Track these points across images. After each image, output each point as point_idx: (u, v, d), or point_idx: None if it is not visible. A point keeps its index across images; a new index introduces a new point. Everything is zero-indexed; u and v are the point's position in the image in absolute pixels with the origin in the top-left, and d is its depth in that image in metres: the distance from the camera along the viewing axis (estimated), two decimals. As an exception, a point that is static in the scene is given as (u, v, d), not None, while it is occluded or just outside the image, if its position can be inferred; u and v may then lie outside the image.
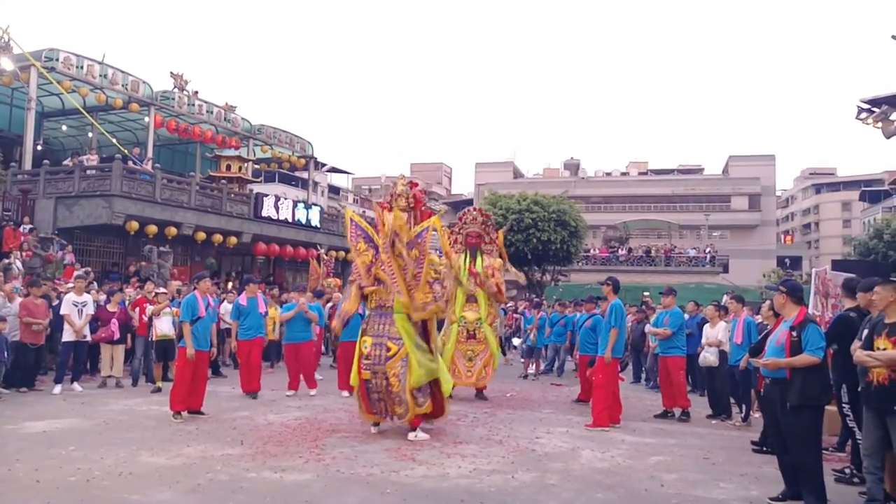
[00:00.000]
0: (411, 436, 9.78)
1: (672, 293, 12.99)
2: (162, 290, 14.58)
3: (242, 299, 13.42)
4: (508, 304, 26.05)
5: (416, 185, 10.92)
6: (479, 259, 13.88)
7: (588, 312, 14.77)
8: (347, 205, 72.87)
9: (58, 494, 6.59)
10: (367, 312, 10.62)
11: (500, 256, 14.47)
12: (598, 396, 11.07)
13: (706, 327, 12.70)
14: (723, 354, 12.35)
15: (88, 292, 14.20)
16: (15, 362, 12.73)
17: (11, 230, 18.32)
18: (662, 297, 13.01)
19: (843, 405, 8.07)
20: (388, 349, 9.84)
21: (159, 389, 13.22)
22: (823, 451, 7.71)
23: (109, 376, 13.97)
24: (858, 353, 6.73)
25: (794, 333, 6.80)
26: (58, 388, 12.86)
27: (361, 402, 10.16)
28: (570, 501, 6.85)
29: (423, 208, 10.80)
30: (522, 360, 19.02)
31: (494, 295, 13.83)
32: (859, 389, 6.91)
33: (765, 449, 8.95)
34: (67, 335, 13.22)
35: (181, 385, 10.79)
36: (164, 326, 13.55)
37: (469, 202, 61.74)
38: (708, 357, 12.29)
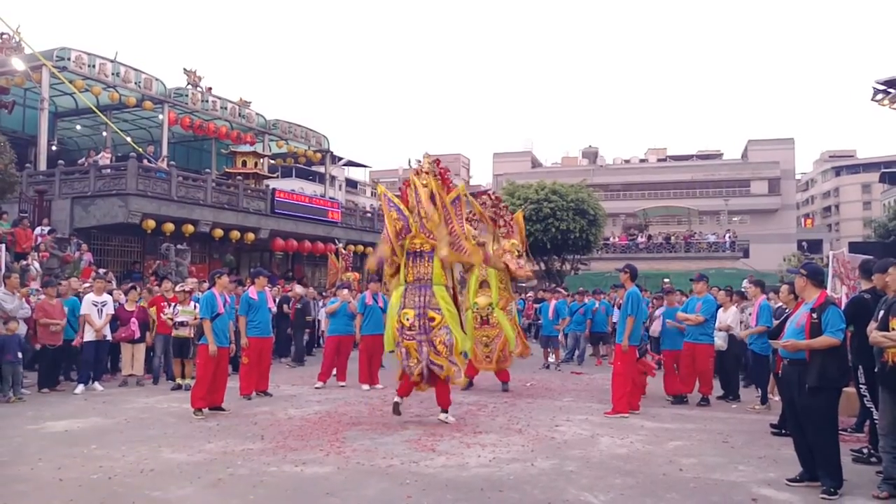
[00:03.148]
0: (443, 416, 10.18)
1: (703, 279, 12.88)
2: (185, 287, 14.55)
3: (252, 293, 12.79)
4: (528, 295, 25.95)
5: (440, 161, 11.11)
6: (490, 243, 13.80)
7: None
8: (368, 195, 73.22)
9: (80, 492, 6.65)
10: (396, 292, 10.78)
11: (520, 237, 14.46)
12: (616, 383, 11.07)
13: (719, 311, 12.67)
14: (731, 338, 12.45)
15: (111, 293, 14.32)
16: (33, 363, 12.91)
17: (22, 231, 18.39)
18: (694, 283, 12.93)
19: (861, 386, 8.07)
20: (432, 319, 10.18)
21: (179, 387, 13.28)
22: (842, 432, 7.70)
23: (130, 375, 14.04)
24: (874, 333, 6.71)
25: (815, 316, 6.78)
26: (80, 388, 12.99)
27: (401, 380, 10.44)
28: (588, 488, 6.85)
29: (449, 185, 11.09)
30: (542, 349, 18.95)
31: (506, 271, 13.73)
32: (875, 370, 6.88)
33: (784, 431, 8.89)
34: (89, 335, 13.33)
35: (203, 382, 10.81)
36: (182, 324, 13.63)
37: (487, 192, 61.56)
38: (717, 341, 12.32)
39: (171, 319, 13.72)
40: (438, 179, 10.69)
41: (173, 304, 13.99)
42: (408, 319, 10.28)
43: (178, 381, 13.60)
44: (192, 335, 13.54)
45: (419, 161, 11.04)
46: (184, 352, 13.68)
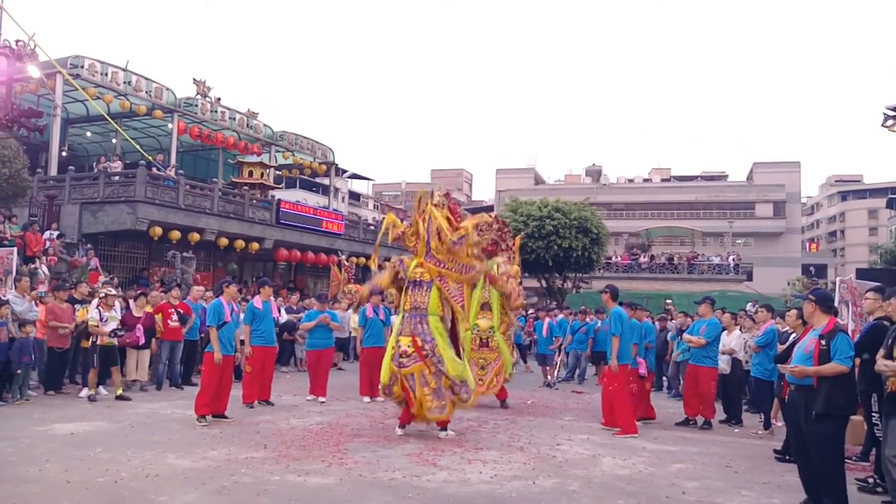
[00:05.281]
0: (442, 434, 10.20)
1: (708, 301, 12.86)
2: (111, 291, 14.13)
3: (257, 302, 12.80)
4: (529, 311, 26.00)
5: (451, 195, 11.21)
6: (494, 267, 13.78)
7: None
8: (371, 207, 73.47)
9: (88, 495, 6.73)
10: (397, 317, 10.98)
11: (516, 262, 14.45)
12: (617, 404, 11.13)
13: (722, 335, 12.69)
14: (735, 362, 12.48)
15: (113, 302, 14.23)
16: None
17: (32, 235, 18.47)
18: (699, 305, 12.95)
19: (873, 414, 8.02)
20: (435, 344, 10.29)
21: (124, 398, 12.83)
22: (847, 461, 7.71)
23: (134, 380, 14.05)
24: (879, 361, 6.73)
25: (824, 342, 6.80)
26: (84, 392, 13.02)
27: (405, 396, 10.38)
28: (591, 508, 6.88)
29: (458, 218, 11.16)
30: (540, 367, 18.95)
31: (508, 297, 13.70)
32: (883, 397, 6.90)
33: (787, 457, 8.91)
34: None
35: (207, 389, 10.86)
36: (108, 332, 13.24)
37: (490, 209, 61.50)
38: (720, 364, 12.35)
39: (96, 326, 13.07)
40: (447, 214, 10.82)
41: (100, 310, 13.31)
42: (404, 346, 10.34)
43: (93, 391, 12.89)
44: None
45: (431, 193, 11.13)
46: (111, 361, 13.15)
